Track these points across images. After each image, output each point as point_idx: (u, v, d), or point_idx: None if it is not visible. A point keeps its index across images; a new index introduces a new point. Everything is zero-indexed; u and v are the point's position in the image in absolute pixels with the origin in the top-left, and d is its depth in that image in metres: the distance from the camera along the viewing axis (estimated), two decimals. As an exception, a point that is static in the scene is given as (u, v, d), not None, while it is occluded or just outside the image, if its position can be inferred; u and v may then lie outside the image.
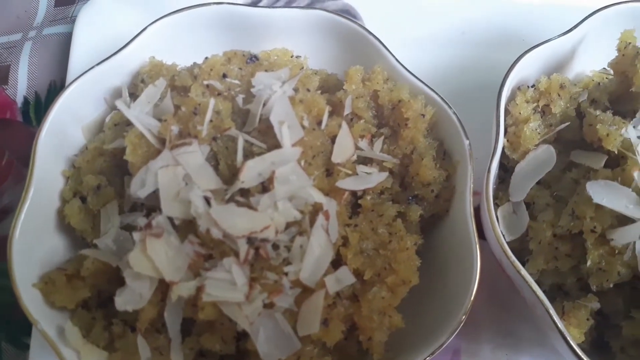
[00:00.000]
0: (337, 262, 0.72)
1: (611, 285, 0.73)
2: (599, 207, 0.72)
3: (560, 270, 0.77)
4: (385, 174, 0.77)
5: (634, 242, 0.70)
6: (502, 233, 0.78)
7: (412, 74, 0.81)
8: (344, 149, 0.75)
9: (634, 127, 0.75)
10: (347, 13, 1.05)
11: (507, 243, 0.80)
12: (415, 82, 0.81)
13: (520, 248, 0.80)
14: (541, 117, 0.82)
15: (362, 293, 0.71)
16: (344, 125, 0.76)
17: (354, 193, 0.77)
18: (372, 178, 0.76)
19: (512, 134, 0.81)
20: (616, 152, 0.75)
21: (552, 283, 0.79)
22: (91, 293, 0.71)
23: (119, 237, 0.71)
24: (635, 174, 0.71)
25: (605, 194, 0.71)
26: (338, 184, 0.73)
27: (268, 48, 0.86)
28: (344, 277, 0.70)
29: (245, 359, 0.69)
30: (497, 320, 0.90)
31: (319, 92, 0.81)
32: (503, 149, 0.82)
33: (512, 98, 0.84)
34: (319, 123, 0.75)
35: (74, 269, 0.71)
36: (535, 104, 0.83)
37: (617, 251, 0.71)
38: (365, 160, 0.79)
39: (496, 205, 0.82)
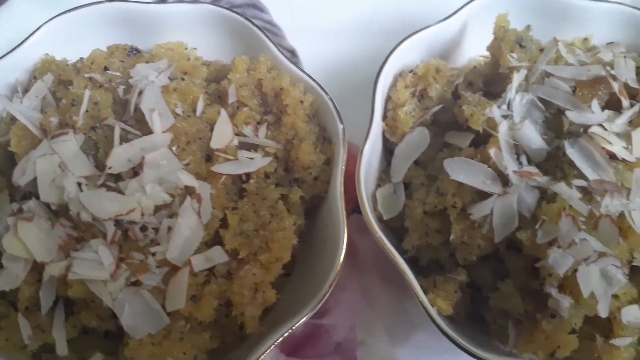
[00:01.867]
0: (220, 243, 0.76)
1: (474, 258, 0.77)
2: (460, 184, 0.76)
3: (433, 245, 0.81)
4: (268, 159, 0.81)
5: (491, 216, 0.73)
6: (377, 211, 0.83)
7: (294, 63, 0.85)
8: (222, 135, 0.79)
9: (498, 107, 0.78)
10: (254, 6, 1.09)
11: (387, 222, 0.84)
12: (296, 71, 0.84)
13: (400, 226, 0.84)
14: (419, 101, 0.86)
15: (236, 271, 0.75)
16: (223, 112, 0.80)
17: (239, 177, 0.81)
18: (253, 163, 0.80)
19: (391, 118, 0.85)
20: (481, 131, 0.79)
21: (429, 258, 0.83)
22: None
23: (8, 224, 0.75)
24: (492, 151, 0.74)
25: (462, 171, 0.75)
26: (214, 168, 0.77)
27: (164, 41, 0.90)
28: (215, 256, 0.73)
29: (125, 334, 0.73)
30: (391, 299, 0.93)
31: (206, 81, 0.86)
32: (385, 132, 0.86)
33: (394, 84, 0.88)
34: (195, 110, 0.79)
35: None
36: (413, 89, 0.86)
37: (476, 225, 0.75)
38: (250, 146, 0.82)
39: (378, 186, 0.86)
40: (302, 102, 0.82)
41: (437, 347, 0.90)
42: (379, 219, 0.84)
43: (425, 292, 0.77)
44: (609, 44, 0.88)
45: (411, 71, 0.86)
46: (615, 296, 0.74)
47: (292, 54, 1.10)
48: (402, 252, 0.82)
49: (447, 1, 1.08)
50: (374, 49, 1.07)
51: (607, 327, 0.74)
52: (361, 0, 1.11)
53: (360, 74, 1.02)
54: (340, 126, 0.81)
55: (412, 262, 0.84)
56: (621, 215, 0.72)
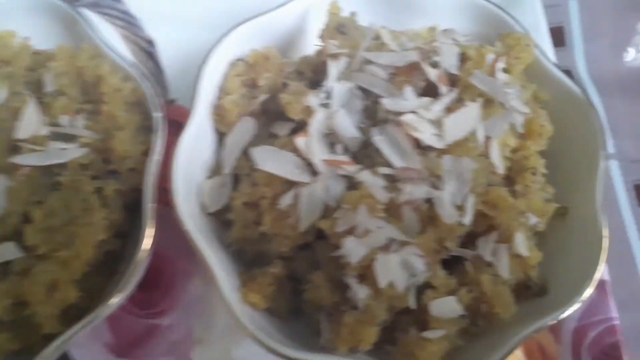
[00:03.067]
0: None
1: (287, 249, 0.74)
2: (272, 175, 0.73)
3: (253, 238, 0.78)
4: (83, 150, 0.78)
5: (298, 207, 0.71)
6: (201, 203, 0.80)
7: (115, 51, 0.82)
8: (28, 125, 0.75)
9: (315, 95, 0.76)
10: (106, -6, 1.05)
11: (217, 215, 0.81)
12: (117, 59, 0.81)
13: (228, 220, 0.81)
14: (250, 91, 0.83)
15: (32, 267, 0.71)
16: (31, 101, 0.76)
17: (49, 170, 0.77)
18: (65, 154, 0.76)
19: (219, 107, 0.83)
20: (298, 120, 0.76)
21: (254, 252, 0.81)
22: None
23: None
24: (299, 140, 0.72)
25: (270, 160, 0.72)
26: (13, 159, 0.73)
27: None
28: (6, 252, 0.70)
29: None
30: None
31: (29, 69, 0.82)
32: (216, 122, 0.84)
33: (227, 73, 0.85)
34: (-4, 99, 0.75)
35: None
36: (244, 78, 0.84)
37: (284, 215, 0.72)
38: (66, 137, 0.79)
39: (209, 178, 0.83)
40: (120, 90, 0.79)
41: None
42: (206, 212, 0.81)
43: (242, 287, 0.75)
44: (444, 30, 0.87)
45: (241, 59, 0.84)
46: (433, 287, 0.73)
47: (149, 44, 1.07)
48: (225, 248, 0.80)
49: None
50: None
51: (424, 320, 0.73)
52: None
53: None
54: (158, 114, 0.78)
55: (240, 257, 0.82)
56: (430, 204, 0.71)
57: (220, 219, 0.83)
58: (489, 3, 0.88)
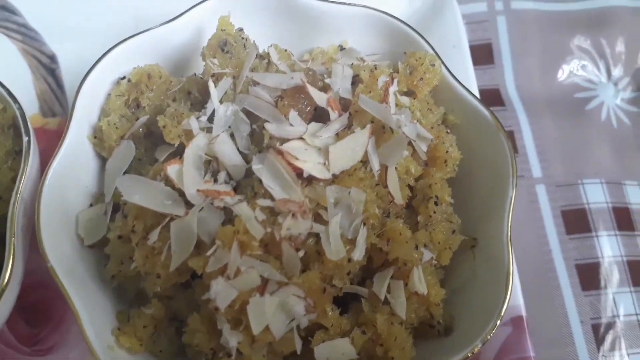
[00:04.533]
0: None
1: (159, 289, 0.68)
2: (143, 207, 0.67)
3: (129, 274, 0.71)
4: (-55, 177, 0.71)
5: (169, 243, 0.65)
6: (78, 236, 0.74)
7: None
8: None
9: (197, 118, 0.70)
10: (3, 8, 0.99)
11: (95, 247, 0.75)
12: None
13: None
14: (132, 112, 0.77)
15: None
16: None
17: None
18: None
19: (98, 129, 0.76)
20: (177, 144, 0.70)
21: (135, 290, 0.74)
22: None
23: None
24: (170, 168, 0.66)
25: (137, 191, 0.66)
26: None
27: None
28: None
29: None
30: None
31: None
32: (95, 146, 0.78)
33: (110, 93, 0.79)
34: None
35: None
36: (127, 97, 0.77)
37: (156, 251, 0.66)
38: None
39: (90, 207, 0.77)
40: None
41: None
42: (82, 244, 0.74)
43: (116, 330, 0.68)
44: (346, 49, 0.82)
45: (124, 77, 0.77)
46: (325, 329, 0.67)
47: (51, 60, 1.00)
48: (107, 284, 0.73)
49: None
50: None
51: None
52: (125, 5, 1.01)
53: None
54: (25, 138, 0.71)
55: (121, 293, 0.75)
56: (317, 238, 0.65)
57: (101, 253, 0.76)
58: (397, 20, 0.83)
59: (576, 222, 0.98)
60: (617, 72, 1.09)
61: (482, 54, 1.09)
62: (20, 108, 0.73)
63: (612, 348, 0.90)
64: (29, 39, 1.00)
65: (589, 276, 0.95)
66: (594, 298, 0.93)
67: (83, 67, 0.98)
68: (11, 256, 0.66)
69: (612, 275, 0.94)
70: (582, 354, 0.90)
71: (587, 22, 1.11)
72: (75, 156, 0.74)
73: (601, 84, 1.10)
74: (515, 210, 0.74)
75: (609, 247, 0.96)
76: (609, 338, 0.91)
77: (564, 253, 0.96)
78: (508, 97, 1.08)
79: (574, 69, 1.10)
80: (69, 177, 0.73)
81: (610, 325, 0.92)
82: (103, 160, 0.78)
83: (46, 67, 1.00)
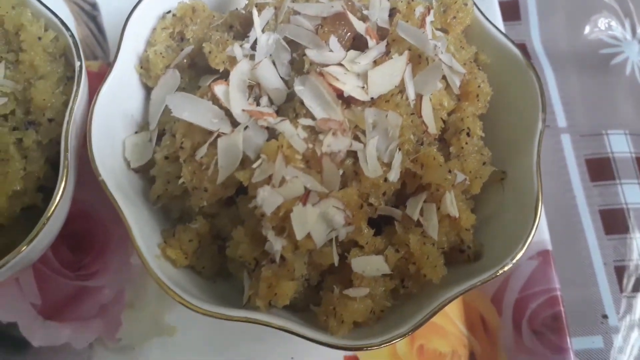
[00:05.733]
0: None
1: (205, 203, 0.71)
2: (191, 124, 0.70)
3: (175, 194, 0.75)
4: (3, 100, 0.75)
5: (215, 158, 0.68)
6: (125, 159, 0.77)
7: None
8: (-60, 70, 0.72)
9: (241, 46, 0.74)
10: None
11: (139, 171, 0.79)
12: (39, 7, 0.78)
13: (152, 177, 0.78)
14: (178, 44, 0.81)
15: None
16: (-56, 46, 0.73)
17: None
18: (-19, 102, 0.74)
19: (144, 59, 0.80)
20: (222, 70, 0.74)
21: (181, 209, 0.78)
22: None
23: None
24: (217, 88, 0.69)
25: (186, 108, 0.69)
26: None
27: None
28: None
29: None
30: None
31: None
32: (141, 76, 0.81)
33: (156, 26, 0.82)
34: None
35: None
36: (171, 30, 0.81)
37: (203, 167, 0.70)
38: (-16, 87, 0.76)
39: (135, 134, 0.80)
40: (40, 38, 0.76)
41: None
42: (128, 167, 0.78)
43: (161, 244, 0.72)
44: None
45: (169, 12, 0.81)
46: (358, 246, 0.70)
47: (93, 7, 1.04)
48: (151, 205, 0.77)
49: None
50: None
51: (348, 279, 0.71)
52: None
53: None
54: (78, 63, 0.75)
55: (165, 214, 0.79)
56: (354, 157, 0.69)
57: (146, 177, 0.80)
58: (430, -36, 0.85)
59: (600, 170, 1.01)
60: (642, 28, 1.11)
61: (509, 10, 1.11)
62: (72, 36, 0.76)
63: (635, 289, 0.93)
64: (70, -15, 1.04)
65: (612, 221, 0.97)
66: (617, 242, 0.96)
67: (123, 14, 1.03)
68: (65, 169, 0.70)
69: (635, 220, 0.97)
70: (605, 294, 0.93)
71: (614, -20, 1.13)
72: (122, 85, 0.78)
73: (626, 41, 1.12)
74: (541, 157, 0.76)
75: (632, 194, 0.98)
76: (631, 279, 0.93)
77: (588, 199, 0.99)
78: (534, 52, 1.10)
79: (600, 26, 1.12)
80: (116, 104, 0.77)
81: (633, 268, 0.94)
82: (148, 90, 0.82)
83: (88, 13, 1.03)
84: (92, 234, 0.90)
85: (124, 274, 0.88)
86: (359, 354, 0.86)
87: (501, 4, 1.03)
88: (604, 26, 1.12)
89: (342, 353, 0.86)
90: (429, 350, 0.87)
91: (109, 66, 0.96)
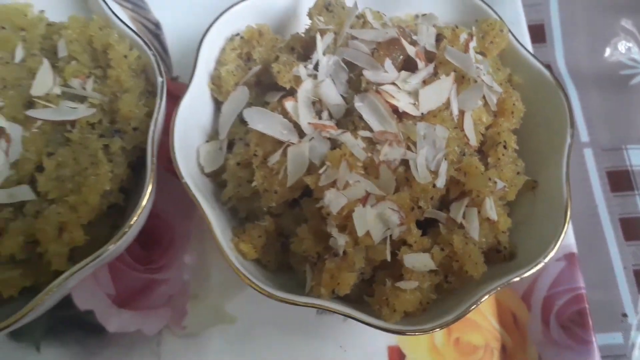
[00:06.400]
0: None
1: (274, 204, 0.81)
2: (263, 135, 0.80)
3: (245, 195, 0.85)
4: (92, 110, 0.85)
5: (285, 165, 0.78)
6: (199, 164, 0.87)
7: (122, 21, 0.89)
8: (43, 84, 0.83)
9: (305, 66, 0.83)
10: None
11: (211, 175, 0.89)
12: (124, 29, 0.89)
13: (223, 181, 0.88)
14: (245, 64, 0.91)
15: (44, 211, 0.78)
16: (45, 61, 0.84)
17: (62, 126, 0.84)
18: (75, 112, 0.84)
19: (216, 77, 0.90)
20: (288, 89, 0.84)
21: (248, 210, 0.87)
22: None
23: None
24: (288, 104, 0.79)
25: (260, 121, 0.79)
26: (28, 112, 0.80)
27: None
28: (20, 193, 0.77)
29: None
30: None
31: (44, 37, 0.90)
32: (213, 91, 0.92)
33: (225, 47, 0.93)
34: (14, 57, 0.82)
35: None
36: (239, 51, 0.91)
37: (274, 172, 0.79)
38: (76, 97, 0.86)
39: (207, 142, 0.90)
40: (126, 56, 0.86)
41: (266, 301, 0.93)
42: (202, 172, 0.88)
43: (234, 239, 0.82)
44: (424, 15, 0.94)
45: (238, 34, 0.91)
46: (407, 245, 0.80)
47: (156, 26, 1.15)
48: (221, 205, 0.87)
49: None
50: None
51: (399, 273, 0.80)
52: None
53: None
54: (160, 79, 0.85)
55: (233, 214, 0.88)
56: (406, 165, 0.78)
57: (216, 181, 0.90)
58: (468, -6, 0.96)
59: (620, 182, 1.10)
60: (659, 51, 1.21)
61: (536, 34, 1.21)
62: (155, 54, 0.87)
63: (652, 291, 1.01)
64: (137, 8, 1.15)
65: (631, 229, 1.06)
66: (636, 248, 1.04)
67: (183, 32, 1.14)
68: (152, 172, 0.80)
69: (653, 228, 1.06)
70: (625, 295, 1.01)
71: (632, 6, 1.23)
72: (196, 99, 0.87)
73: (644, 63, 1.21)
74: None
75: (650, 204, 1.07)
76: (651, 283, 1.02)
77: (609, 208, 1.08)
78: (559, 72, 1.20)
79: (620, 49, 1.21)
80: (192, 116, 0.87)
81: (651, 272, 1.03)
82: (217, 104, 0.92)
83: (152, 32, 1.14)
84: (159, 232, 0.99)
85: (187, 269, 0.97)
86: (401, 344, 0.95)
87: (529, 28, 1.13)
88: (623, 49, 1.21)
89: (386, 343, 0.95)
90: (464, 343, 0.96)
91: (172, 80, 1.07)
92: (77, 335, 0.93)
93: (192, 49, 1.06)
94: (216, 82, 0.90)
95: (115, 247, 0.77)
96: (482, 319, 0.97)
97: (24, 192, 0.77)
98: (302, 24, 0.98)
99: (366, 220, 0.74)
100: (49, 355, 0.92)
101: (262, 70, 0.89)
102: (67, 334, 0.93)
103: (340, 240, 0.74)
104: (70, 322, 0.94)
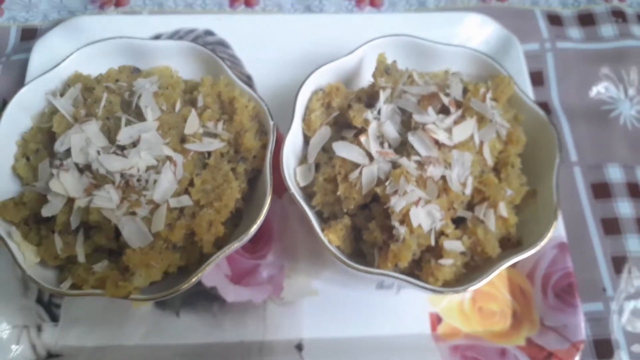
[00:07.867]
0: (188, 195, 1.17)
1: (352, 207, 1.18)
2: (344, 159, 1.17)
3: (330, 202, 1.22)
4: (223, 144, 1.22)
5: (360, 179, 1.15)
6: (296, 181, 1.24)
7: (245, 83, 1.27)
8: (192, 126, 1.20)
9: (371, 112, 1.21)
10: (221, 44, 1.52)
11: (304, 189, 1.25)
12: (244, 87, 1.26)
13: (311, 192, 1.25)
14: (326, 109, 1.29)
15: (198, 212, 1.15)
16: (193, 111, 1.21)
17: (203, 155, 1.22)
18: (212, 145, 1.21)
19: (307, 119, 1.28)
20: (360, 127, 1.21)
21: (330, 212, 1.24)
22: (29, 212, 1.15)
23: (48, 180, 1.15)
24: (363, 139, 1.16)
25: (344, 150, 1.16)
26: (186, 146, 1.18)
27: (156, 65, 1.33)
28: (184, 200, 1.14)
29: (123, 251, 1.13)
30: (310, 247, 1.34)
31: (184, 92, 1.28)
32: (304, 130, 1.29)
33: (311, 98, 1.30)
34: (175, 109, 1.21)
35: (19, 199, 1.16)
36: (322, 101, 1.29)
37: (353, 185, 1.16)
38: (211, 135, 1.24)
39: (300, 165, 1.28)
40: (247, 106, 1.25)
41: (340, 279, 1.30)
42: (298, 186, 1.25)
43: (323, 231, 1.19)
44: (453, 73, 1.32)
45: (322, 89, 1.29)
46: (445, 235, 1.16)
47: (248, 79, 1.53)
48: (311, 209, 1.24)
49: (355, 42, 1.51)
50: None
51: (440, 254, 1.16)
52: (302, 40, 1.53)
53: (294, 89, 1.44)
54: (271, 122, 1.23)
55: (319, 215, 1.25)
56: (444, 179, 1.15)
57: (306, 193, 1.27)
58: (484, 55, 1.33)
59: (601, 191, 1.44)
60: (631, 91, 1.56)
61: (536, 78, 1.57)
62: (266, 105, 1.24)
63: (629, 273, 1.35)
64: (234, 65, 1.53)
65: (609, 226, 1.40)
66: (612, 240, 1.39)
67: (269, 83, 1.51)
68: (270, 187, 1.17)
69: (626, 225, 1.40)
70: (605, 275, 1.35)
71: (611, 58, 1.59)
72: (295, 135, 1.24)
73: (620, 100, 1.56)
74: (559, 184, 1.19)
75: (623, 208, 1.42)
76: (625, 267, 1.36)
77: (592, 211, 1.41)
78: (554, 108, 1.55)
79: (601, 90, 1.57)
80: (291, 146, 1.24)
81: (624, 258, 1.37)
82: (306, 138, 1.29)
83: (246, 83, 1.52)
84: (263, 229, 1.35)
85: (283, 256, 1.33)
86: (440, 310, 1.30)
87: (530, 74, 1.50)
88: (604, 90, 1.57)
89: (428, 310, 1.30)
90: (484, 309, 1.31)
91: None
92: (205, 305, 1.29)
93: (277, 97, 1.42)
94: (307, 123, 1.27)
95: (247, 238, 1.14)
96: (497, 292, 1.32)
97: (185, 200, 1.14)
98: (365, 80, 1.36)
99: (418, 217, 1.10)
100: (185, 319, 1.28)
101: (339, 115, 1.26)
102: (198, 304, 1.30)
103: (401, 230, 1.10)
104: (200, 295, 1.30)
